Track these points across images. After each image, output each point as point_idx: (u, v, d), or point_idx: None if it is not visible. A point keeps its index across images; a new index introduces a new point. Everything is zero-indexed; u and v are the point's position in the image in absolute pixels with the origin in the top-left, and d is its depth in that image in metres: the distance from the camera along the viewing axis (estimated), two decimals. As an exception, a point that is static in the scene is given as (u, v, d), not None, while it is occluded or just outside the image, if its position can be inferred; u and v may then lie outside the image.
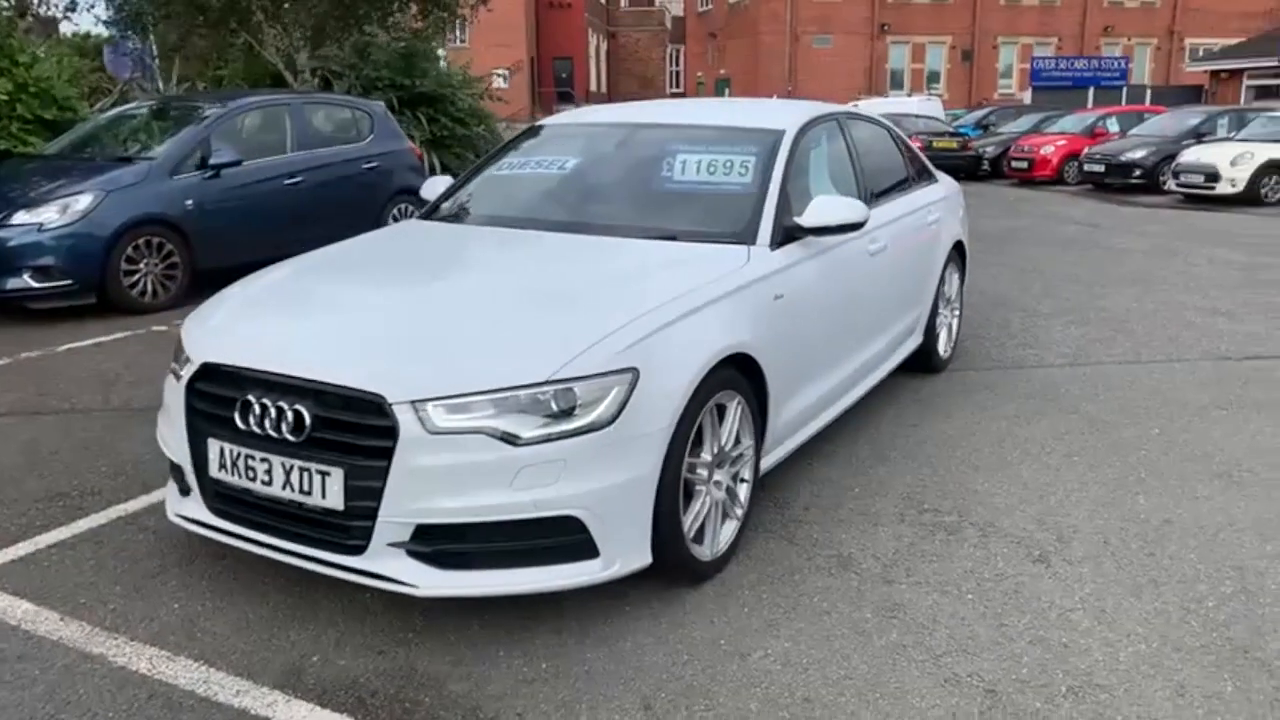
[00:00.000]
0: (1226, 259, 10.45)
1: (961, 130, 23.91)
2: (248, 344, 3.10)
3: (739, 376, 3.31)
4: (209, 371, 3.05)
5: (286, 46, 13.78)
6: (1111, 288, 8.69)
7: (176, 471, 3.26)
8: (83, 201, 6.92)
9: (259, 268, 3.86)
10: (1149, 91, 31.63)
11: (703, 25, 45.55)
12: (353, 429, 2.78)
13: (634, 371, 2.85)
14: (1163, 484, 4.17)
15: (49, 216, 6.83)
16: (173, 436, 3.21)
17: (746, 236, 3.73)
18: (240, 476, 2.94)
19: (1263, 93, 28.79)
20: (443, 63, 14.76)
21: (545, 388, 2.75)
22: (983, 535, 3.67)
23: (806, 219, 3.84)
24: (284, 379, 2.87)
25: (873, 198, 4.66)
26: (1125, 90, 31.69)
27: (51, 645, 2.91)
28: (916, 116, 24.28)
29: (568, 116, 5.05)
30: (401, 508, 2.74)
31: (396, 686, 2.72)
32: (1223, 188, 16.72)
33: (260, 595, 3.20)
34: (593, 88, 55.46)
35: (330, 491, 2.79)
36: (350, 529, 2.81)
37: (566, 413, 2.76)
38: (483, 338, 2.96)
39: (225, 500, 3.05)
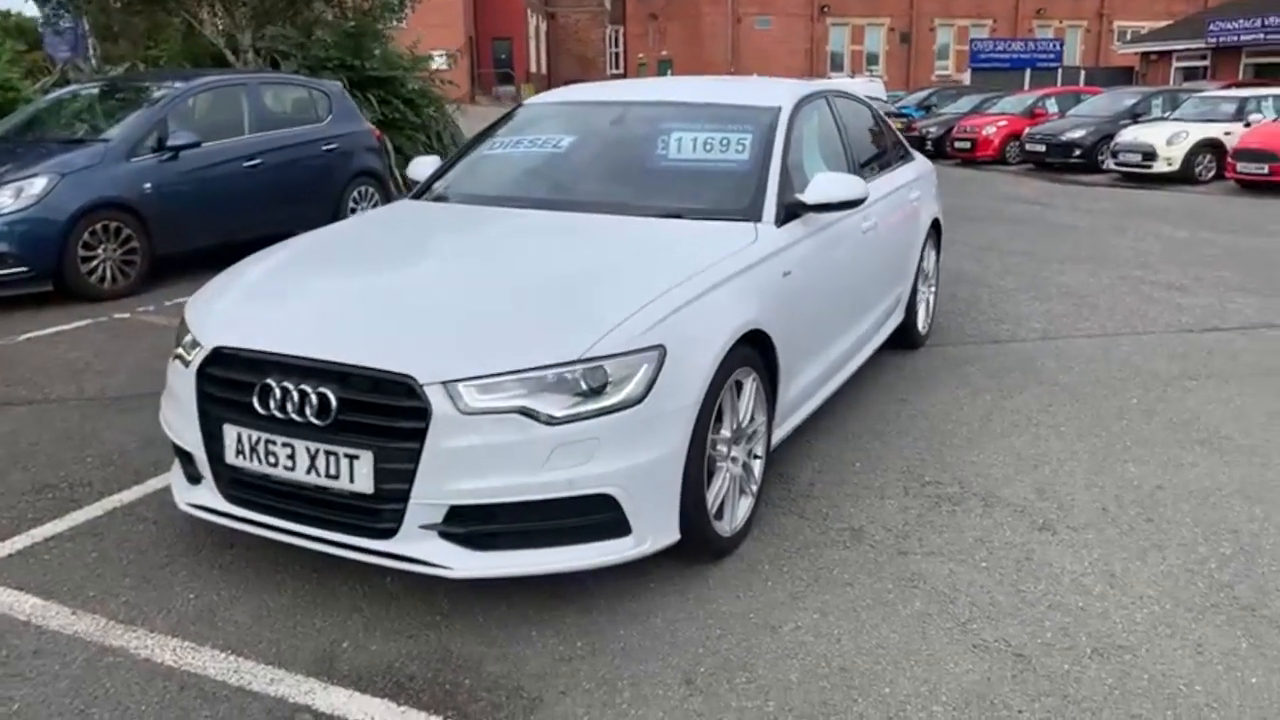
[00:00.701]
0: (1171, 235, 10.76)
1: (904, 111, 24.22)
2: (264, 327, 3.02)
3: (754, 353, 3.33)
4: (222, 356, 2.97)
5: (229, 26, 13.40)
6: (1068, 264, 8.90)
7: (185, 459, 3.18)
8: (37, 185, 6.67)
9: (219, 254, 3.77)
10: (1082, 73, 32.37)
11: (643, 6, 45.35)
12: (382, 411, 2.74)
13: (661, 349, 2.85)
14: (1149, 452, 4.30)
15: (2, 202, 6.58)
16: (182, 423, 3.12)
17: (752, 214, 3.74)
18: (260, 463, 2.88)
19: (1190, 74, 29.66)
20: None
21: (576, 366, 2.74)
22: (986, 505, 3.75)
23: (809, 196, 3.86)
24: (306, 362, 2.81)
25: (862, 175, 4.70)
26: (1060, 72, 32.38)
27: (68, 640, 2.82)
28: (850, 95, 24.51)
29: (554, 95, 5.00)
30: (434, 489, 2.70)
31: (433, 669, 2.69)
32: (1159, 166, 17.21)
33: (276, 583, 3.14)
34: (532, 69, 54.92)
35: (359, 475, 2.75)
36: (380, 512, 2.77)
37: (596, 391, 2.75)
38: (509, 317, 2.93)
39: (242, 487, 2.98)
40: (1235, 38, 27.32)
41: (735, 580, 3.17)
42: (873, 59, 42.54)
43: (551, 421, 2.70)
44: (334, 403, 2.75)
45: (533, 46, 54.12)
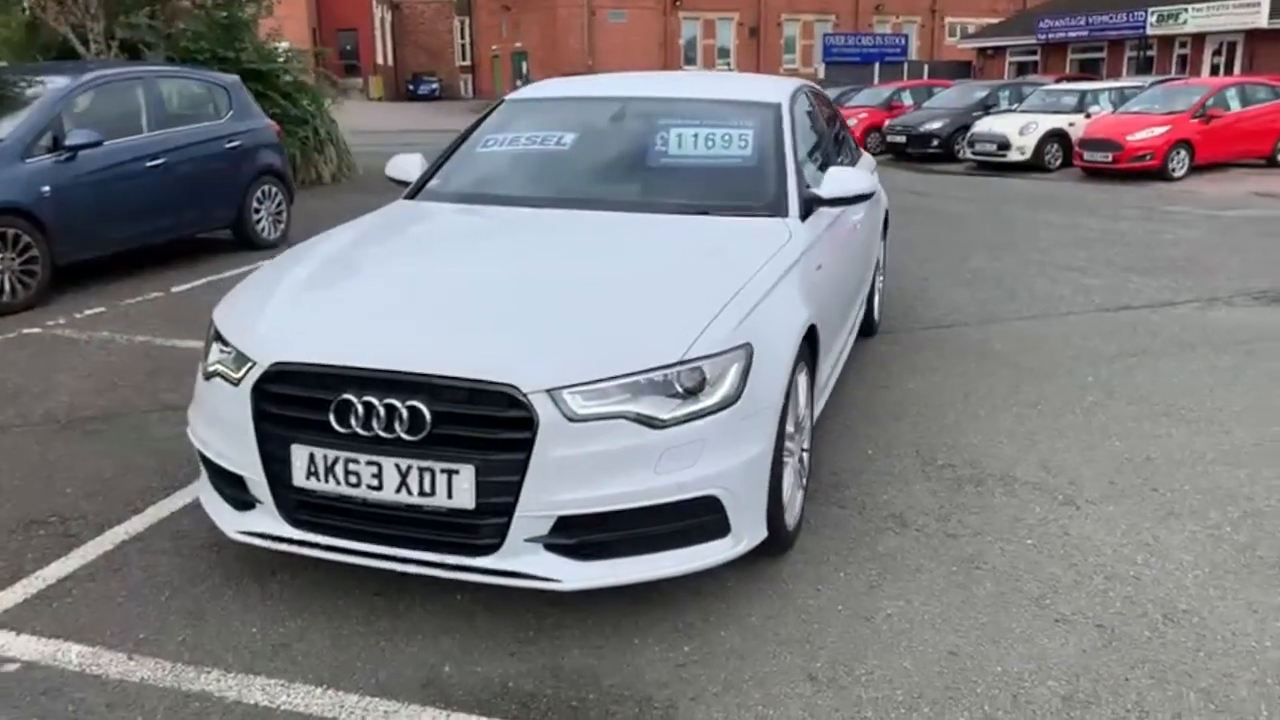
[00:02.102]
0: (1049, 220, 11.45)
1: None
2: (330, 339, 2.84)
3: (806, 347, 3.36)
4: (283, 373, 2.78)
5: (82, 16, 12.46)
6: (970, 250, 9.34)
7: (231, 484, 2.96)
8: (-76, 190, 6.04)
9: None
10: (926, 67, 33.96)
11: (495, -2, 44.82)
12: (483, 423, 2.63)
13: (748, 347, 2.84)
14: (1124, 426, 4.57)
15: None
16: (231, 446, 2.90)
17: (779, 209, 3.77)
18: (339, 484, 2.71)
19: (1022, 68, 31.59)
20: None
21: (677, 368, 2.70)
22: (1005, 485, 3.91)
23: (825, 190, 3.92)
24: (392, 375, 2.66)
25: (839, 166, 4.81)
26: (906, 66, 33.89)
27: (137, 688, 2.59)
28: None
29: (539, 91, 4.88)
30: (541, 500, 2.62)
31: (551, 686, 2.61)
32: (1013, 155, 18.27)
33: (340, 610, 2.97)
34: (379, 61, 53.42)
35: (458, 490, 2.63)
36: (481, 528, 2.66)
37: (694, 392, 2.72)
38: (596, 320, 2.86)
39: (314, 510, 2.80)
40: (1063, 34, 29.28)
41: (808, 574, 3.20)
42: (724, 52, 43.36)
43: (661, 425, 2.65)
44: (428, 417, 2.61)
45: (379, 38, 52.68)
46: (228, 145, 8.24)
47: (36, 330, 6.12)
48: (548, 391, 2.60)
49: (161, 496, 3.73)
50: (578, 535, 2.67)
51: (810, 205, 3.89)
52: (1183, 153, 16.52)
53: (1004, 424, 4.59)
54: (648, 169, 4.12)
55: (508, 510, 2.63)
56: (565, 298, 3.00)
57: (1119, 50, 28.30)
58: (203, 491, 3.19)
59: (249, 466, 2.85)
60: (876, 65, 32.79)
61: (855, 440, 4.36)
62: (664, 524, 2.72)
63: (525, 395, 2.59)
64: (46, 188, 6.61)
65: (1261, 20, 24.22)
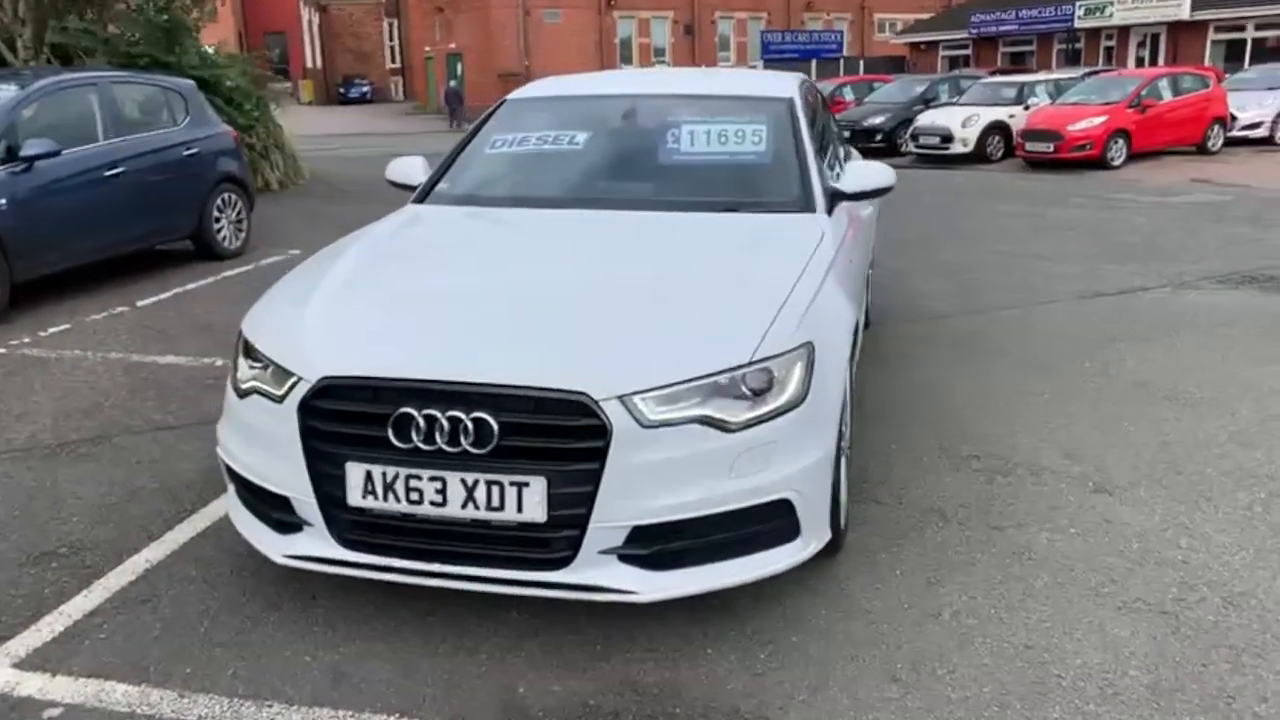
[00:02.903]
0: (1007, 211, 11.64)
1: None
2: (382, 351, 2.72)
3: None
4: (332, 387, 2.65)
5: (10, 20, 11.94)
6: (939, 242, 9.44)
7: (276, 506, 2.81)
8: (-127, 206, 5.70)
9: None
10: (861, 63, 34.39)
11: (427, -1, 44.24)
12: (553, 433, 2.53)
13: (810, 345, 2.79)
14: (1133, 411, 4.63)
15: None
16: (276, 467, 2.76)
17: (807, 205, 3.73)
18: (400, 501, 2.59)
19: (955, 62, 32.18)
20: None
21: (747, 369, 2.64)
22: (1034, 474, 3.92)
23: (847, 185, 3.90)
24: (453, 386, 2.55)
25: (844, 161, 4.80)
26: (842, 61, 34.28)
27: (197, 727, 2.45)
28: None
29: (540, 90, 4.76)
30: (616, 510, 2.53)
31: (634, 703, 2.53)
32: (956, 148, 18.59)
33: (393, 632, 2.85)
34: (309, 64, 52.41)
35: (529, 503, 2.53)
36: (553, 541, 2.57)
37: (762, 393, 2.66)
38: (657, 322, 2.77)
39: (370, 530, 2.68)
40: (994, 28, 29.90)
41: (863, 573, 3.17)
42: (660, 51, 43.36)
43: (733, 428, 2.59)
44: (495, 428, 2.51)
45: (307, 41, 51.69)
46: (186, 153, 7.95)
47: (1, 351, 5.82)
48: (619, 398, 2.51)
49: (176, 522, 3.55)
50: (653, 545, 2.59)
51: (834, 200, 3.86)
52: (1120, 142, 16.96)
53: (1016, 413, 4.62)
54: (666, 166, 4.05)
55: (581, 522, 2.54)
56: (620, 301, 2.91)
57: (1048, 43, 28.98)
58: (235, 514, 3.04)
59: (296, 487, 2.71)
60: (813, 62, 33.11)
61: (875, 434, 4.34)
62: (737, 530, 2.65)
63: (597, 403, 2.50)
64: (2, 200, 6.30)
65: (1184, 13, 25.01)
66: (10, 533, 3.49)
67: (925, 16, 41.68)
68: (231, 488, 3.10)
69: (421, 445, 2.55)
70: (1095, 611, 2.92)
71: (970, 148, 18.44)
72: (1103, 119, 16.90)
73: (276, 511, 2.82)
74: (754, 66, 42.22)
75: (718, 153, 4.01)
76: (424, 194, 4.11)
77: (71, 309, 6.72)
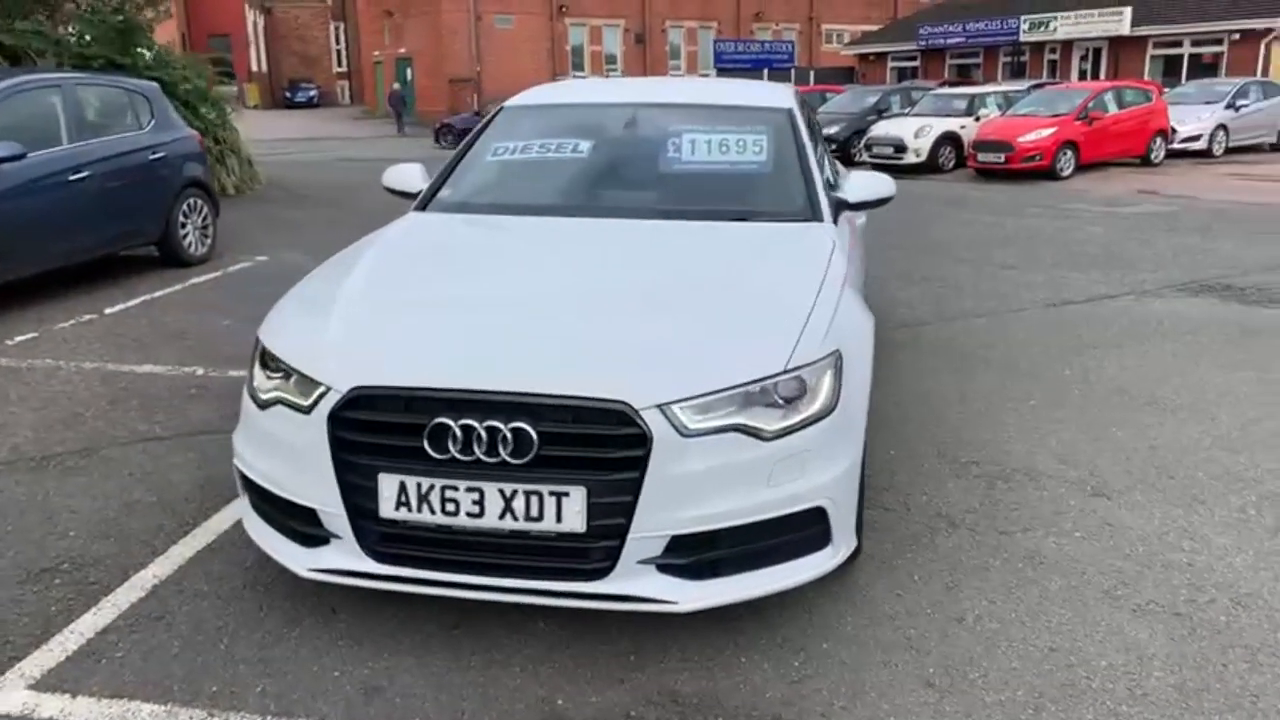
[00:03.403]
0: (967, 220, 11.86)
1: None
2: (416, 361, 2.68)
3: None
4: (362, 397, 2.61)
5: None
6: (904, 251, 9.57)
7: (302, 519, 2.76)
8: None
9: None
10: (812, 73, 34.80)
11: (376, 2, 43.71)
12: (592, 442, 2.52)
13: (837, 354, 2.81)
14: (1118, 417, 4.74)
15: None
16: (302, 479, 2.70)
17: (815, 214, 3.77)
18: (435, 513, 2.56)
19: (903, 74, 32.71)
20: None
21: (781, 378, 2.65)
22: (1033, 479, 4.00)
23: (850, 194, 3.95)
24: (491, 396, 2.52)
25: (834, 171, 4.86)
26: (794, 71, 34.65)
27: (233, 748, 2.39)
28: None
29: (537, 98, 4.74)
30: (656, 520, 2.53)
31: (675, 713, 2.52)
32: (909, 158, 18.89)
33: (421, 646, 2.81)
34: (254, 68, 51.55)
35: (568, 513, 2.51)
36: (592, 551, 2.56)
37: (794, 402, 2.68)
38: (687, 332, 2.77)
39: (403, 542, 2.64)
40: (942, 41, 30.46)
41: (882, 579, 3.20)
42: (611, 59, 43.44)
43: (769, 437, 2.60)
44: (535, 438, 2.49)
45: (252, 44, 50.84)
46: (152, 157, 7.77)
47: (-34, 361, 5.64)
48: (659, 407, 2.51)
49: (179, 536, 3.46)
50: (691, 555, 2.59)
51: (839, 209, 3.90)
52: (1069, 153, 17.38)
53: (1006, 420, 4.70)
54: (671, 175, 4.06)
55: (620, 532, 2.53)
56: (648, 309, 2.91)
57: (994, 56, 29.60)
58: (253, 527, 2.97)
59: (323, 499, 2.67)
60: (765, 71, 33.42)
61: (873, 440, 4.34)
62: (772, 538, 2.66)
63: (637, 412, 2.49)
64: (-34, 205, 6.10)
65: (1124, 28, 25.73)
66: (6, 549, 3.38)
67: (871, 28, 42.35)
68: (246, 499, 3.04)
69: (458, 456, 2.52)
70: (1112, 614, 2.99)
71: (923, 158, 18.75)
72: (1052, 131, 17.30)
73: (301, 524, 2.77)
74: (705, 75, 42.51)
75: (722, 162, 4.04)
76: (426, 201, 4.07)
77: (38, 316, 6.53)
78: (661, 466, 2.50)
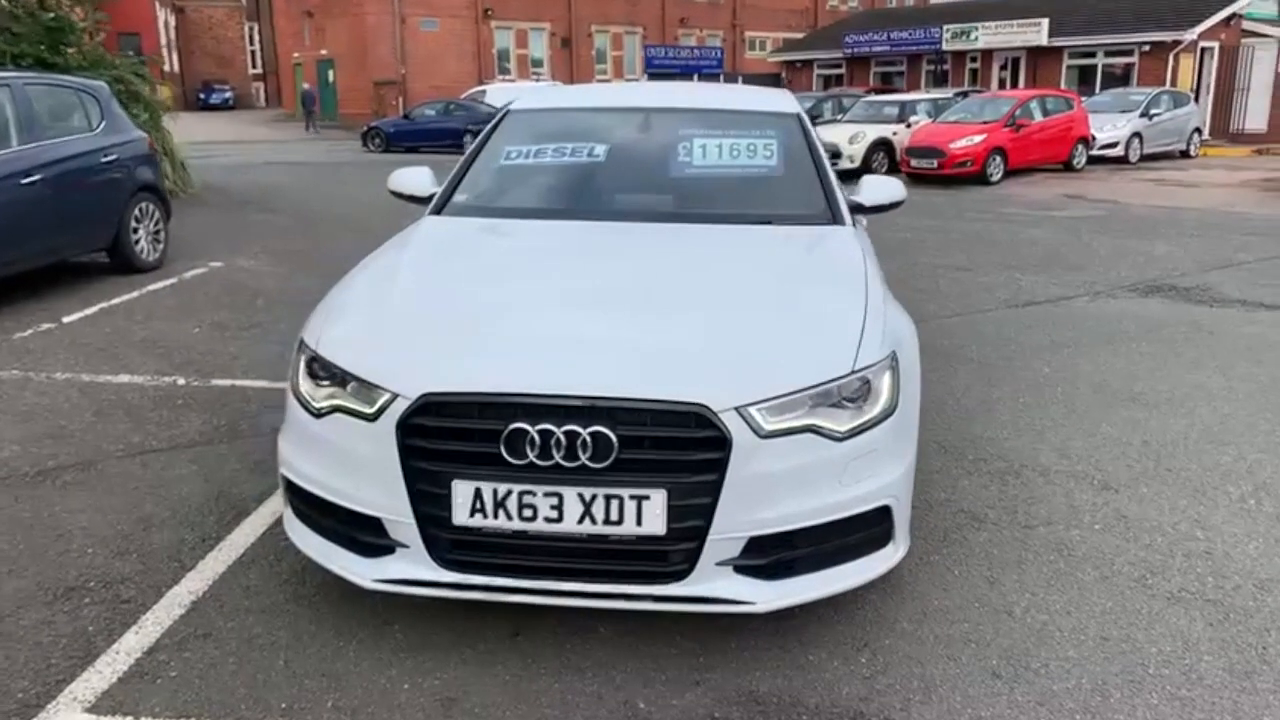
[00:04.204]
0: (912, 224, 12.07)
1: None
2: (488, 366, 2.64)
3: None
4: (433, 404, 2.56)
5: None
6: (861, 253, 9.74)
7: (365, 529, 2.69)
8: None
9: None
10: (740, 78, 35.18)
11: (295, 2, 42.75)
12: (672, 445, 2.52)
13: (893, 354, 2.87)
14: (1106, 413, 4.91)
15: None
16: (367, 488, 2.64)
17: (837, 217, 3.83)
18: (512, 518, 2.53)
19: (829, 81, 33.29)
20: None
21: (848, 379, 2.69)
22: (1042, 474, 4.12)
23: (865, 198, 4.03)
24: (568, 401, 2.50)
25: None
26: (722, 77, 35.01)
27: (319, 765, 2.33)
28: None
29: (542, 101, 4.70)
30: (734, 521, 2.54)
31: (759, 713, 2.54)
32: (844, 163, 19.19)
33: (487, 653, 2.77)
34: (165, 68, 49.90)
35: (648, 516, 2.51)
36: (671, 554, 2.56)
37: (859, 402, 2.72)
38: (755, 335, 2.80)
39: (476, 550, 2.60)
40: (867, 49, 31.11)
41: (924, 573, 3.26)
42: (537, 63, 43.25)
43: (840, 437, 2.63)
44: (615, 442, 2.48)
45: (163, 43, 49.21)
46: (103, 160, 7.48)
47: (-74, 373, 5.36)
48: (737, 409, 2.53)
49: (205, 550, 3.35)
50: (768, 555, 2.61)
51: (855, 213, 3.97)
52: (998, 159, 17.94)
53: (1000, 418, 4.83)
54: (690, 179, 4.07)
55: (699, 534, 2.54)
56: (706, 313, 2.91)
57: (917, 64, 30.35)
58: (302, 538, 2.88)
59: (391, 508, 2.61)
60: (695, 77, 33.73)
61: (882, 441, 4.46)
62: (843, 537, 2.70)
63: (716, 414, 2.50)
64: (-84, 210, 5.80)
65: (1042, 39, 26.64)
66: (24, 569, 3.22)
67: (793, 36, 43.04)
68: (289, 510, 2.96)
69: (536, 461, 2.50)
70: (1149, 603, 3.10)
71: (857, 163, 19.10)
72: (982, 137, 17.84)
73: (364, 534, 2.70)
74: (633, 79, 42.62)
75: (738, 166, 4.07)
76: (441, 205, 4.01)
77: (-15, 326, 6.25)
78: (740, 468, 2.52)
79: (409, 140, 26.14)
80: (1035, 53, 27.22)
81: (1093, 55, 26.65)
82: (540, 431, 2.49)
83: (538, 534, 2.55)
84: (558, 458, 2.49)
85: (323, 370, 2.83)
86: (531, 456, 2.49)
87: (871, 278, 3.24)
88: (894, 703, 2.58)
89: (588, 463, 2.49)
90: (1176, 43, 24.74)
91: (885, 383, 2.78)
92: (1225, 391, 5.26)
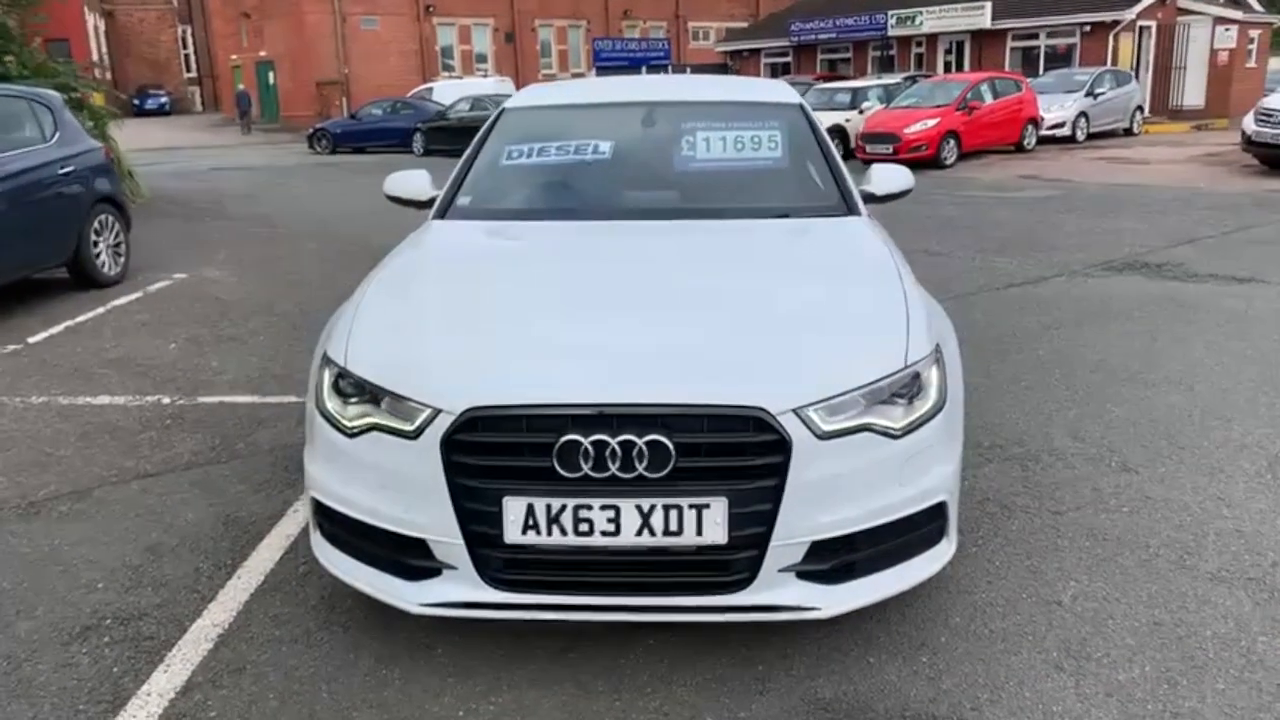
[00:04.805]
0: (875, 210, 12.15)
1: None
2: (533, 376, 2.53)
3: None
4: (479, 418, 2.45)
5: None
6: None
7: (407, 551, 2.58)
8: None
9: None
10: (688, 69, 35.14)
11: (232, 4, 41.82)
12: (731, 451, 2.44)
13: (938, 349, 2.82)
14: (1106, 392, 4.93)
15: None
16: (410, 509, 2.53)
17: (852, 208, 3.78)
18: (567, 534, 2.43)
19: (775, 69, 33.37)
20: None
21: (899, 375, 2.63)
22: (1061, 459, 4.11)
23: (876, 187, 3.99)
24: (622, 409, 2.41)
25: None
26: (670, 68, 34.91)
27: (385, 803, 2.21)
28: (499, 96, 24.81)
29: (538, 98, 4.56)
30: (796, 526, 2.47)
31: (828, 718, 2.48)
32: (800, 151, 19.28)
33: (538, 674, 2.68)
34: (96, 75, 48.56)
35: (709, 525, 2.43)
36: (733, 563, 2.48)
37: (910, 399, 2.66)
38: (803, 333, 2.72)
39: (528, 568, 2.51)
40: (813, 36, 31.22)
41: (965, 566, 3.22)
42: (481, 58, 42.82)
43: (897, 434, 2.58)
44: (672, 450, 2.40)
45: (94, 48, 47.91)
46: (60, 171, 7.20)
47: (-109, 402, 5.09)
48: (794, 410, 2.45)
49: (223, 579, 3.21)
50: (831, 559, 2.54)
51: (867, 202, 3.92)
52: (952, 142, 18.12)
53: (1007, 402, 4.83)
54: (699, 174, 3.99)
55: (761, 541, 2.46)
56: (749, 314, 2.83)
57: (864, 50, 30.54)
58: (335, 561, 2.75)
59: (437, 528, 2.50)
60: (643, 69, 33.57)
61: (895, 432, 4.42)
62: (902, 537, 2.64)
63: (774, 417, 2.43)
64: None
65: (985, 22, 26.94)
66: (32, 608, 3.05)
67: (737, 25, 43.10)
68: (317, 534, 2.83)
69: (591, 473, 2.40)
70: (1193, 584, 3.09)
71: (813, 150, 19.14)
72: (935, 121, 18.00)
73: (407, 556, 2.59)
74: (580, 74, 42.42)
75: (747, 159, 4.00)
76: (445, 209, 3.88)
77: (-53, 351, 5.98)
78: (801, 471, 2.44)
79: (356, 141, 25.72)
80: (979, 36, 27.52)
81: (1035, 37, 27.01)
82: (594, 443, 2.39)
83: (594, 548, 2.46)
84: (614, 469, 2.40)
85: (351, 387, 2.70)
86: (586, 469, 2.40)
87: (903, 269, 3.19)
88: (963, 703, 2.54)
89: (645, 473, 2.40)
90: (1116, 22, 25.16)
91: (934, 377, 2.73)
92: (1219, 367, 5.31)
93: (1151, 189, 13.47)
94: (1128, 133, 23.02)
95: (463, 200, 3.91)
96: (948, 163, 17.87)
